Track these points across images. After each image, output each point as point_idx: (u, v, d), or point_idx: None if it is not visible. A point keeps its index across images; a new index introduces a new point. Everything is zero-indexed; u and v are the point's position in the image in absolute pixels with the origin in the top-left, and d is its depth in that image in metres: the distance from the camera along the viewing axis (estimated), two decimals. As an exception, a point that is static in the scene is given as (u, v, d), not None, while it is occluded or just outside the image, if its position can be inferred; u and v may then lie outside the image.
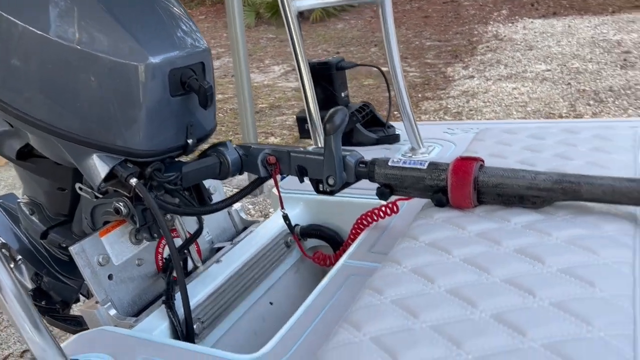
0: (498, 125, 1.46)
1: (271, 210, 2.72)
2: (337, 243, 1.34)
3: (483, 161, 0.96)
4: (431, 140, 1.57)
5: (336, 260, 1.21)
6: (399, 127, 1.65)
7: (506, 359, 0.60)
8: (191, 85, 0.99)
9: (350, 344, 0.67)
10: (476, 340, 0.64)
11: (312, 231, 1.35)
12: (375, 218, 1.16)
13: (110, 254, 1.05)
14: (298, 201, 1.38)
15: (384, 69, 1.66)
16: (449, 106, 4.50)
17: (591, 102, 4.18)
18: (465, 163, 0.94)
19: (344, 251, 1.18)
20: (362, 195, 1.31)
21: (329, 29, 7.84)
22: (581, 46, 5.62)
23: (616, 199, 0.83)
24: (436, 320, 0.68)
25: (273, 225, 1.31)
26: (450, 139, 1.58)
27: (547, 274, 0.73)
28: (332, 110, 1.02)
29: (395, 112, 1.77)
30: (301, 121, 1.65)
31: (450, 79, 5.21)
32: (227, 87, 5.40)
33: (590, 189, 0.85)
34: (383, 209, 1.14)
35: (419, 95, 4.81)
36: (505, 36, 6.43)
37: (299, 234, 1.34)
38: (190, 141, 1.04)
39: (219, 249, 1.26)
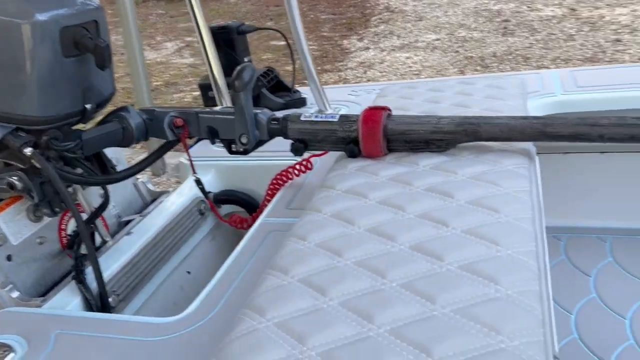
0: (399, 84, 1.52)
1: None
2: (252, 207, 1.33)
3: (390, 110, 0.99)
4: (336, 102, 1.59)
5: (253, 221, 1.20)
6: (304, 91, 1.66)
7: (427, 281, 0.63)
8: (86, 44, 0.93)
9: (280, 287, 0.67)
10: (399, 270, 0.67)
11: (225, 197, 1.33)
12: (290, 177, 1.17)
13: (7, 233, 0.97)
14: (209, 168, 1.35)
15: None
16: (347, 77, 4.60)
17: (478, 67, 4.45)
18: (374, 112, 0.97)
19: (261, 212, 1.18)
20: (274, 157, 1.31)
21: (222, 4, 7.65)
22: (466, 16, 5.94)
23: (512, 136, 0.90)
24: (360, 257, 0.70)
25: (184, 194, 1.28)
26: (354, 100, 1.61)
27: (456, 207, 0.78)
28: (238, 67, 1.00)
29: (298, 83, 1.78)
30: (205, 88, 1.60)
31: (347, 51, 5.31)
32: (117, 65, 5.11)
33: (489, 129, 0.91)
34: (297, 166, 1.15)
35: (319, 67, 4.85)
36: (396, 8, 6.64)
37: (212, 200, 1.31)
38: (88, 106, 0.98)
39: (128, 222, 1.20)
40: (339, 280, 0.66)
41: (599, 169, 1.40)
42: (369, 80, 4.44)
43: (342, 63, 4.97)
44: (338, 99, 1.62)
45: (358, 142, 0.98)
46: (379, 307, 0.61)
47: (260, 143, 1.05)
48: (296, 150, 1.04)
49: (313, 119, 1.01)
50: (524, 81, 1.26)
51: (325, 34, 5.93)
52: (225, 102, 1.52)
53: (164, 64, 5.41)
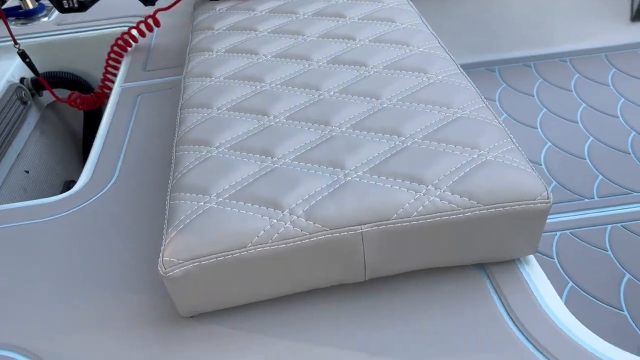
0: None
1: None
2: (85, 88, 1.16)
3: None
4: None
5: (101, 98, 1.05)
6: None
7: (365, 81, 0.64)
8: None
9: (209, 159, 0.61)
10: (331, 80, 0.66)
11: (52, 79, 1.12)
12: (135, 39, 1.03)
13: None
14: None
15: None
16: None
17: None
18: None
19: (106, 86, 1.03)
20: (102, 26, 1.14)
21: None
22: None
23: None
24: (283, 79, 0.68)
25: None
26: None
27: (351, 24, 0.78)
28: None
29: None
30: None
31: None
32: None
33: None
34: (142, 25, 1.01)
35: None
36: None
37: (31, 86, 1.10)
38: None
39: None
40: (276, 102, 0.63)
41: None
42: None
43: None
44: None
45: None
46: (334, 113, 0.60)
47: None
48: (148, -1, 0.91)
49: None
50: None
51: None
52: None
53: None
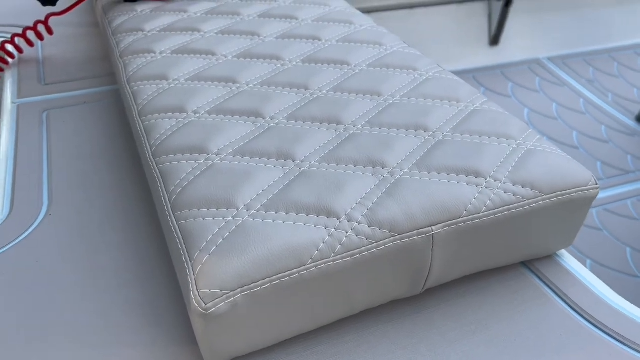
0: None
1: None
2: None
3: None
4: None
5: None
6: None
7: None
8: None
9: (188, 124, 0.51)
10: (317, 78, 0.60)
11: None
12: (19, 50, 0.84)
13: None
14: None
15: None
16: None
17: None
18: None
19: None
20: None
21: None
22: None
23: None
24: (256, 79, 0.59)
25: None
26: None
27: (306, 25, 0.72)
28: None
29: None
30: None
31: None
32: None
33: None
34: (30, 33, 0.84)
35: None
36: None
37: None
38: None
39: None
40: (266, 102, 0.55)
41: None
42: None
43: None
44: None
45: (139, -20, 0.78)
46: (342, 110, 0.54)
47: None
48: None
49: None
50: None
51: None
52: None
53: None
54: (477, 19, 1.89)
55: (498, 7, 1.87)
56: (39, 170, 0.61)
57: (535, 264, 0.51)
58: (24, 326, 0.44)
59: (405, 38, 1.74)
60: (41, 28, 0.89)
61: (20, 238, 0.52)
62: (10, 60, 0.85)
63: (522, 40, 1.93)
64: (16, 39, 0.83)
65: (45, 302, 0.46)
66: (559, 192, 0.46)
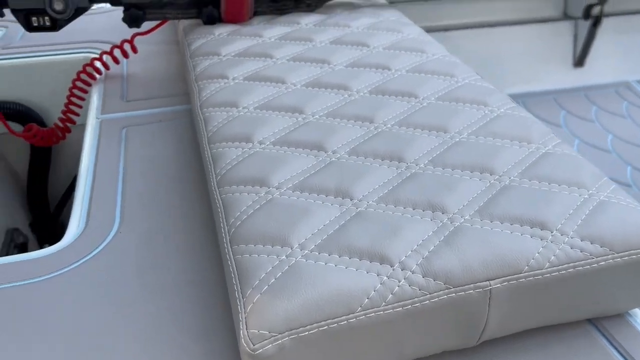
0: None
1: None
2: (36, 120, 1.00)
3: None
4: None
5: (63, 132, 0.90)
6: None
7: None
8: None
9: (253, 154, 0.53)
10: (384, 111, 0.60)
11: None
12: (106, 67, 0.90)
13: None
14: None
15: None
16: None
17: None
18: (237, -35, 0.81)
19: (69, 120, 0.89)
20: (55, 52, 1.00)
21: None
22: None
23: None
24: (323, 110, 0.60)
25: None
26: None
27: (377, 53, 0.72)
28: None
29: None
30: None
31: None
32: None
33: None
34: (117, 51, 0.89)
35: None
36: None
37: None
38: None
39: None
40: (329, 135, 0.55)
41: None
42: None
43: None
44: None
45: (218, 4, 0.81)
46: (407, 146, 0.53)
47: (79, 12, 0.77)
48: (133, 19, 0.80)
49: (158, -25, 0.79)
50: None
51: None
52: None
53: None
54: (561, 38, 1.81)
55: (585, 26, 1.78)
56: (114, 187, 0.65)
57: (603, 322, 0.48)
58: (92, 335, 0.47)
59: (484, 57, 1.70)
60: (127, 47, 0.94)
61: (92, 254, 0.56)
62: (97, 76, 0.91)
63: (609, 61, 1.83)
64: (104, 56, 0.88)
65: (110, 317, 0.49)
66: (632, 251, 0.43)
